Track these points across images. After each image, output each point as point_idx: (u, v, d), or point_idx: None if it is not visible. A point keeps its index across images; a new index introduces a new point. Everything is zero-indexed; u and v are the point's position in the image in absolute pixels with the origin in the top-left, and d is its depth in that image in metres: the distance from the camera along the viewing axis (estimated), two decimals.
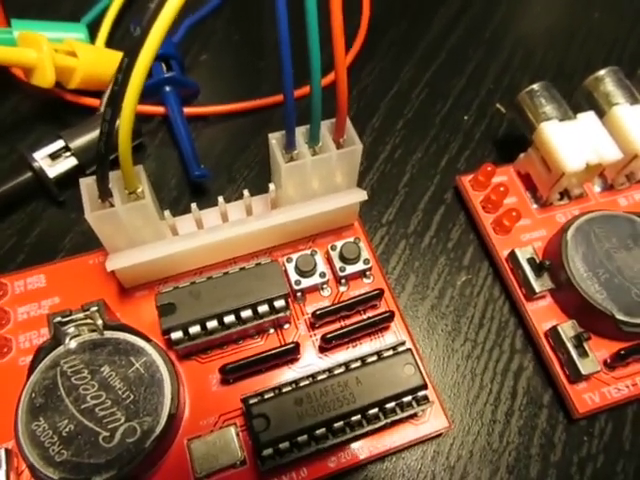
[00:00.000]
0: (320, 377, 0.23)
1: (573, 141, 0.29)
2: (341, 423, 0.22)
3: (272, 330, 0.26)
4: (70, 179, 0.30)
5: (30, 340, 0.25)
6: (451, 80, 0.37)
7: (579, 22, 0.42)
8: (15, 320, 0.26)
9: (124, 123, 0.20)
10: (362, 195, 0.27)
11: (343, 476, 0.24)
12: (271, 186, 0.26)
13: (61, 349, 0.23)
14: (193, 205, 0.25)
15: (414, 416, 0.24)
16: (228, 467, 0.23)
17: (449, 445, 0.25)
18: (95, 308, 0.23)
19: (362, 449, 0.24)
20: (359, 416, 0.23)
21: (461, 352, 0.27)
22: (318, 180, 0.26)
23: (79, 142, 0.30)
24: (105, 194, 0.22)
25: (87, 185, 0.23)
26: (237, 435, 0.23)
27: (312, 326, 0.26)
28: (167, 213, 0.25)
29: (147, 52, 0.18)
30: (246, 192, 0.26)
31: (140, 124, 0.33)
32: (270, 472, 0.22)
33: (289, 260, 0.27)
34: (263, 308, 0.24)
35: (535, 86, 0.31)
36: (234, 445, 0.23)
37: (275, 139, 0.24)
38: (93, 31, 0.35)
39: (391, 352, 0.24)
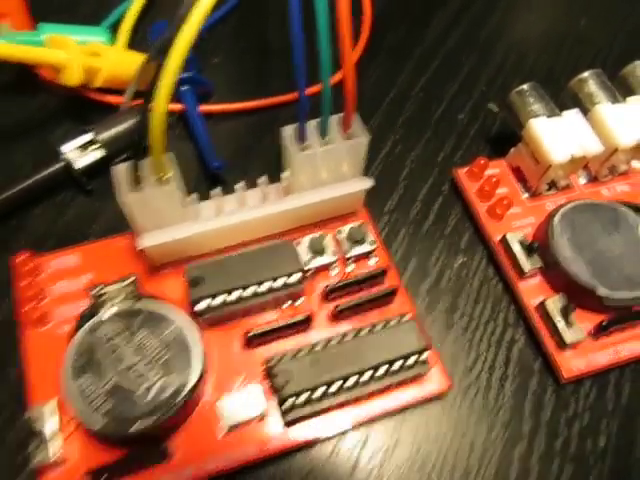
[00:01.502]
0: (332, 342, 0.26)
1: (559, 136, 0.31)
2: (353, 380, 0.25)
3: (289, 302, 0.28)
4: (97, 170, 0.32)
5: (68, 312, 0.27)
6: (446, 84, 0.40)
7: (568, 28, 0.45)
8: (52, 294, 0.28)
9: (158, 109, 0.21)
10: (368, 183, 0.29)
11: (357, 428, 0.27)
12: (283, 175, 0.29)
13: (99, 316, 0.25)
14: (215, 190, 0.28)
15: (418, 376, 0.26)
16: (252, 420, 0.25)
17: (449, 406, 0.28)
18: (130, 280, 0.26)
19: (372, 406, 0.26)
20: (369, 374, 0.25)
21: (459, 325, 0.30)
22: (327, 169, 0.28)
23: (106, 135, 0.32)
24: (137, 179, 0.25)
25: (120, 171, 0.25)
26: (260, 392, 0.25)
27: (324, 298, 0.29)
28: (192, 196, 0.27)
29: (182, 44, 0.20)
30: (263, 178, 0.28)
31: None
32: (291, 423, 0.25)
33: (300, 242, 0.29)
34: (281, 282, 0.27)
35: (524, 86, 0.33)
36: (258, 400, 0.25)
37: (288, 131, 0.27)
38: (113, 34, 0.38)
39: (397, 320, 0.26)
